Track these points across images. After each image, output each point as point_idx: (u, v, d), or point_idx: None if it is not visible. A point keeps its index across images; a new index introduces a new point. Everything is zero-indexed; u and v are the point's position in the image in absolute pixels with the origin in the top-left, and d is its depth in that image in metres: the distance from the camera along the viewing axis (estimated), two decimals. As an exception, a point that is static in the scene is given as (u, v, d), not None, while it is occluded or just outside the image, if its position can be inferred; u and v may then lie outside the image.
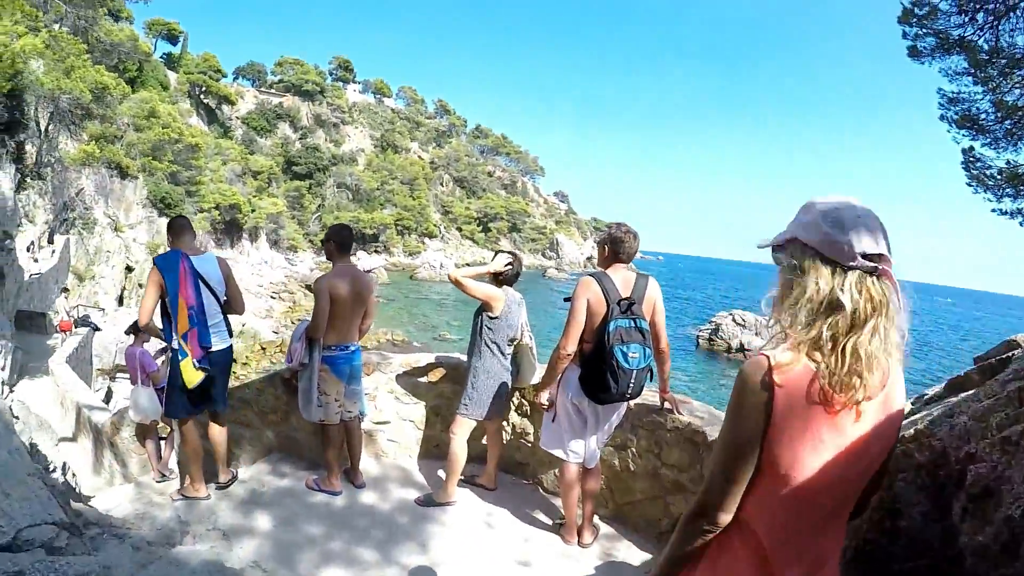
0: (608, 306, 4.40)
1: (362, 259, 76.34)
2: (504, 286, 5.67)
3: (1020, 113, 11.54)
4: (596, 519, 5.40)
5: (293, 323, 41.89)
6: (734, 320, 56.29)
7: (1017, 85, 11.26)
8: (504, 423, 6.29)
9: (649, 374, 4.62)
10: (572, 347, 4.51)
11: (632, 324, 4.41)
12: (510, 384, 5.79)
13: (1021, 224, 13.43)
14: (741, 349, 52.49)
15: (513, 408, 6.35)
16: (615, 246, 4.65)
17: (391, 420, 6.63)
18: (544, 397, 4.94)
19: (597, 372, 4.44)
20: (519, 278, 5.85)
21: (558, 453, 4.99)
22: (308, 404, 5.65)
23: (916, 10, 11.52)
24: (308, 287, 57.07)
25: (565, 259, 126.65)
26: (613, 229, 4.71)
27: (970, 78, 11.49)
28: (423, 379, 6.60)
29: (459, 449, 5.58)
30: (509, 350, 5.75)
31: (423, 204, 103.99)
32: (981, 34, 10.90)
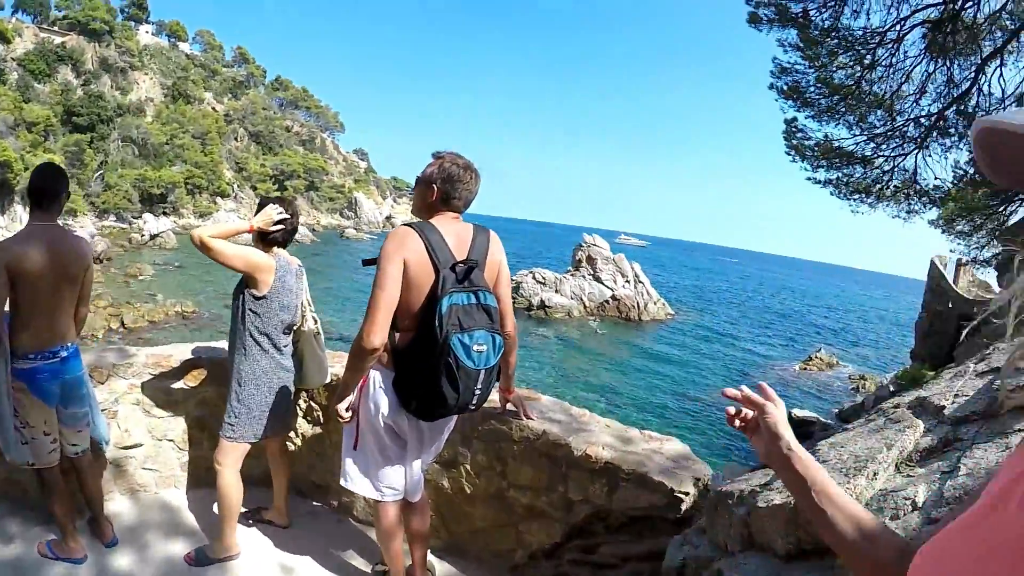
0: (438, 273, 3.08)
1: (148, 221, 71.35)
2: (275, 249, 4.24)
3: (842, 92, 12.14)
4: (430, 558, 4.22)
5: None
6: (534, 278, 57.68)
7: (842, 67, 11.81)
8: (291, 436, 4.96)
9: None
10: (380, 336, 3.08)
11: (474, 301, 3.12)
12: (293, 388, 4.40)
13: (831, 193, 14.40)
14: (542, 306, 54.10)
15: (301, 414, 5.01)
16: (448, 185, 3.28)
17: (143, 442, 4.85)
18: (343, 409, 3.42)
19: (424, 375, 3.11)
20: (295, 237, 4.43)
21: (366, 491, 3.60)
22: (6, 441, 3.84)
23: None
24: (89, 257, 51.90)
25: (364, 219, 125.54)
26: (447, 161, 3.32)
27: (799, 54, 11.94)
28: (179, 383, 4.90)
29: (231, 485, 4.12)
30: (286, 341, 4.34)
31: (216, 160, 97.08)
32: (821, 12, 11.28)
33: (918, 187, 13.64)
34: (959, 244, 18.70)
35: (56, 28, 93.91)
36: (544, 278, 57.75)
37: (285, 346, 4.30)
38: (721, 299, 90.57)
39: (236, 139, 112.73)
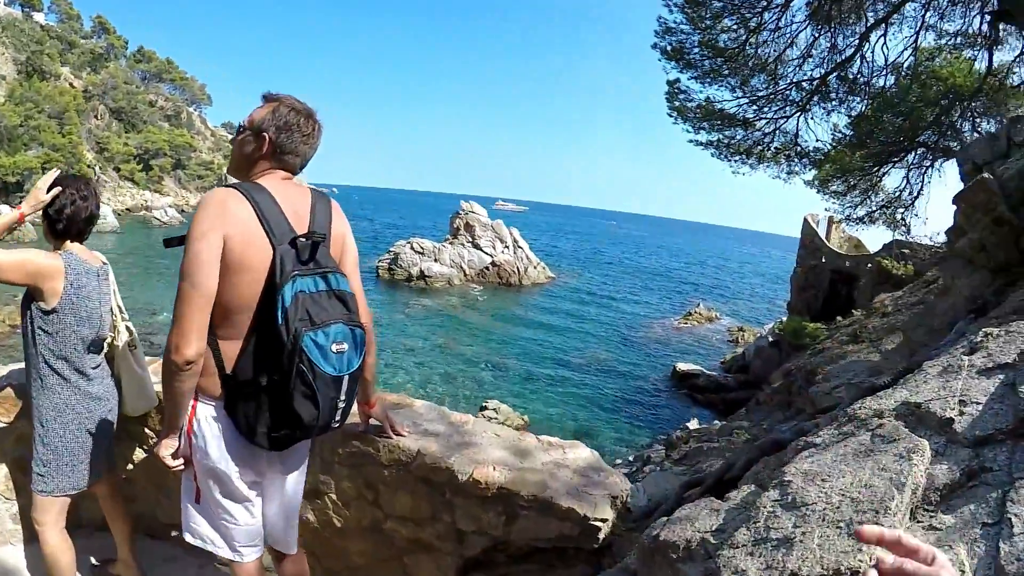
0: (274, 251, 2.28)
1: (3, 213, 65.08)
2: (68, 244, 3.38)
3: (726, 55, 12.11)
4: None
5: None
6: (412, 248, 57.11)
7: (726, 30, 11.76)
8: (124, 472, 4.06)
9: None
10: (195, 346, 2.27)
11: (325, 287, 2.36)
12: (114, 416, 3.53)
13: (713, 155, 14.51)
14: (422, 276, 53.66)
15: (136, 444, 4.09)
16: (284, 136, 2.48)
17: (-45, 494, 3.84)
18: (165, 453, 2.57)
19: (270, 392, 2.33)
20: (94, 226, 3.53)
21: (218, 550, 2.75)
22: None
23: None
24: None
25: None
26: (284, 105, 2.50)
27: (684, 14, 11.80)
28: None
29: (57, 548, 3.30)
30: (95, 362, 3.41)
31: (75, 141, 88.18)
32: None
33: (799, 149, 13.89)
34: (833, 203, 19.43)
35: None
36: (423, 247, 57.14)
37: (94, 368, 3.36)
38: (600, 260, 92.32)
39: (96, 117, 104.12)
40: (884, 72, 12.71)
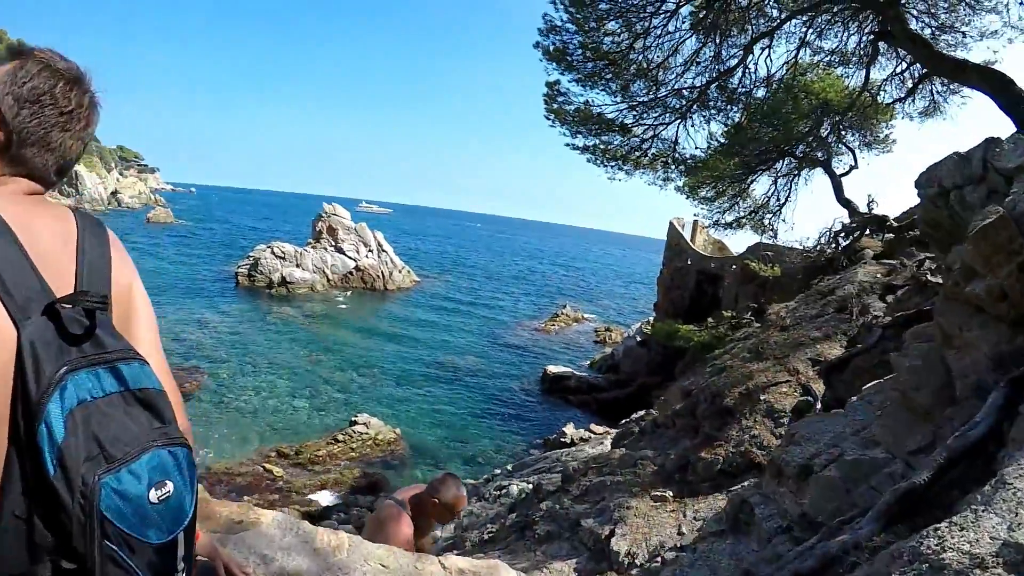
0: (17, 332, 1.17)
1: None
2: None
3: (607, 60, 11.84)
4: None
5: None
6: (273, 252, 54.96)
7: (610, 34, 11.49)
8: None
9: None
10: None
11: (117, 386, 1.26)
12: None
13: (589, 160, 14.28)
14: (284, 283, 51.74)
15: None
16: (25, 113, 1.37)
17: None
18: None
19: None
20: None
21: None
22: None
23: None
24: None
25: (86, 196, 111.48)
26: (28, 63, 1.39)
27: (568, 14, 11.44)
28: None
29: None
30: None
31: None
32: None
33: (676, 156, 13.86)
34: (702, 209, 19.77)
35: None
36: (284, 252, 54.94)
37: None
38: (465, 263, 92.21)
39: None
40: (762, 84, 12.86)
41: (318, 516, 18.24)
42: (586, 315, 55.47)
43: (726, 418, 6.85)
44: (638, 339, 36.46)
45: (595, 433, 22.31)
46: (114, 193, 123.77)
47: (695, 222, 32.83)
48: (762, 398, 6.78)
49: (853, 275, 9.34)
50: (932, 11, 12.52)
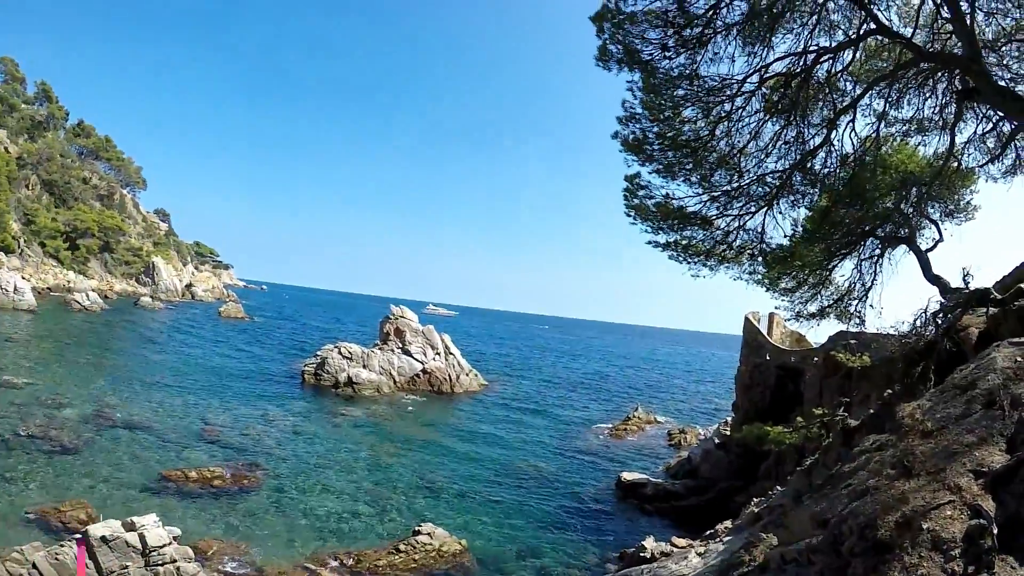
0: None
1: None
2: None
3: (686, 149, 11.18)
4: None
5: None
6: (340, 353, 55.17)
7: (687, 121, 10.84)
8: None
9: None
10: None
11: None
12: None
13: (671, 257, 13.41)
14: (350, 383, 51.50)
15: None
16: None
17: None
18: None
19: None
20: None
21: None
22: None
23: (614, 7, 10.43)
24: None
25: (162, 286, 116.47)
26: None
27: (639, 100, 10.82)
28: None
29: None
30: None
31: (2, 210, 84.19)
32: (675, 55, 10.17)
33: (764, 247, 12.95)
34: (783, 300, 18.63)
35: None
36: (351, 353, 55.08)
37: None
38: (533, 365, 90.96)
39: (28, 187, 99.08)
40: (845, 164, 11.98)
41: None
42: (658, 417, 53.73)
43: (884, 555, 5.56)
44: (716, 441, 34.80)
45: (677, 547, 20.61)
46: (189, 286, 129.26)
47: (771, 315, 31.53)
48: (924, 526, 5.53)
49: (991, 362, 8.07)
50: (1005, 62, 11.67)
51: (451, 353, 59.47)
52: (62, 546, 18.55)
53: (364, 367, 53.67)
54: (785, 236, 13.07)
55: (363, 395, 50.44)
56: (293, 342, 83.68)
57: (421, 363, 56.26)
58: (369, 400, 49.40)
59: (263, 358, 66.30)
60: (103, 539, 17.80)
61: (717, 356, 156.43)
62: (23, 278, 74.88)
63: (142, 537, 18.09)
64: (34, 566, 17.95)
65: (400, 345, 56.72)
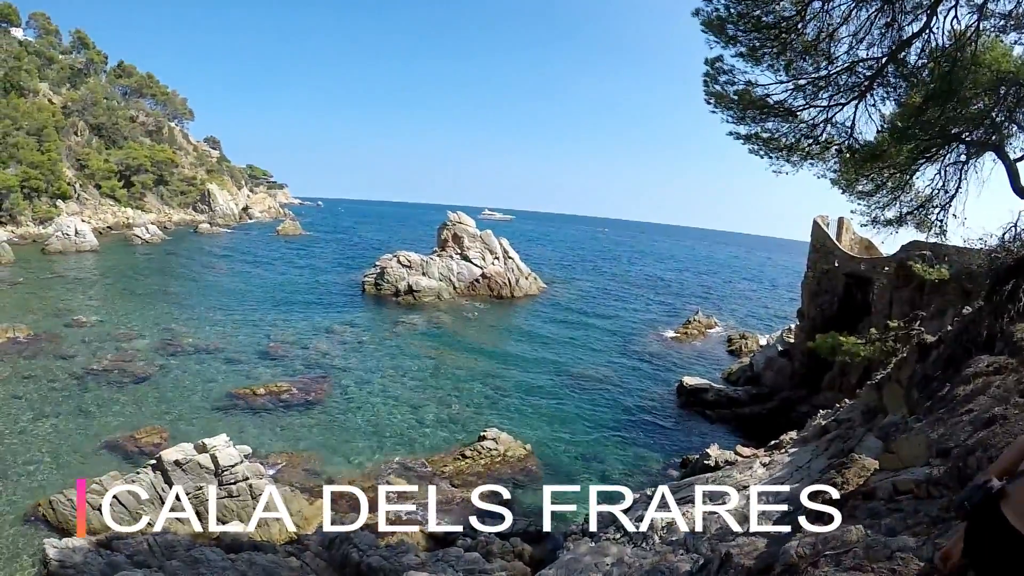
0: None
1: None
2: None
3: (772, 31, 10.22)
4: None
5: None
6: (399, 261, 55.27)
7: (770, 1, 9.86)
8: None
9: None
10: None
11: None
12: None
13: (751, 151, 12.60)
14: (410, 291, 51.70)
15: None
16: None
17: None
18: None
19: None
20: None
21: None
22: None
23: None
24: None
25: (219, 212, 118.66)
26: None
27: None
28: None
29: None
30: None
31: (54, 159, 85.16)
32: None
33: (852, 143, 11.99)
34: (859, 204, 17.53)
35: None
36: (410, 261, 55.19)
37: None
38: (592, 268, 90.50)
39: (76, 133, 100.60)
40: (941, 57, 10.80)
41: (443, 540, 17.59)
42: (718, 322, 52.92)
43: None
44: (779, 348, 34.07)
45: (741, 456, 20.26)
46: (245, 208, 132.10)
47: (841, 220, 30.19)
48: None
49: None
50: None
51: (510, 257, 59.14)
52: (139, 472, 19.32)
53: (423, 274, 53.79)
54: (877, 131, 12.01)
55: (423, 302, 50.73)
56: (351, 254, 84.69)
57: (480, 268, 56.18)
58: (430, 307, 49.68)
59: (323, 272, 67.18)
60: (176, 463, 18.40)
61: (773, 261, 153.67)
62: (83, 221, 76.91)
63: (214, 458, 18.65)
64: (114, 496, 18.58)
65: (458, 251, 56.59)
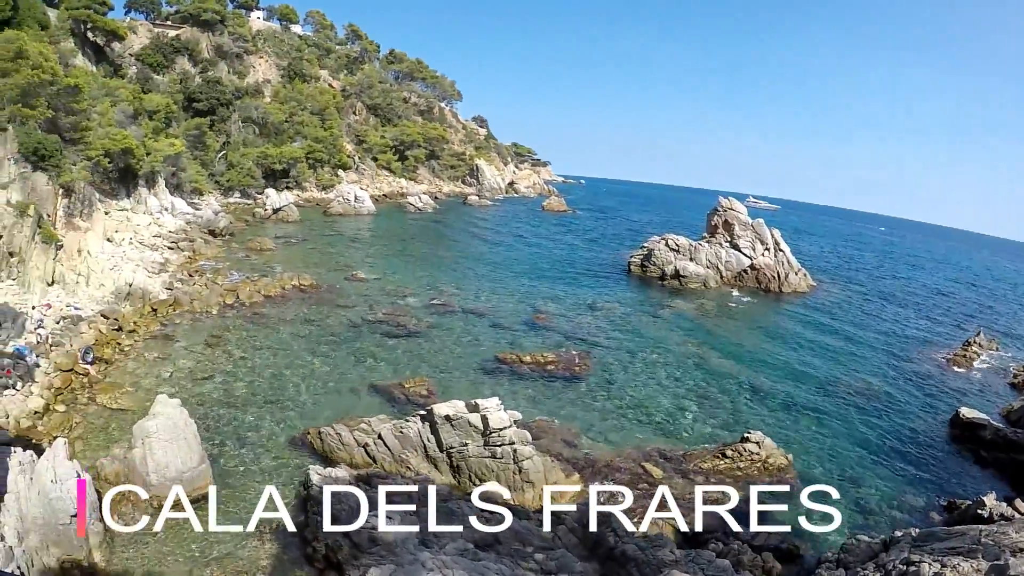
0: None
1: (271, 196, 72.12)
2: None
3: None
4: None
5: (191, 276, 39.38)
6: (667, 244, 55.74)
7: None
8: None
9: None
10: None
11: None
12: None
13: None
14: (676, 275, 52.12)
15: None
16: None
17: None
18: None
19: None
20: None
21: None
22: None
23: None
24: (212, 232, 53.82)
25: (486, 185, 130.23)
26: None
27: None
28: None
29: None
30: None
31: (335, 135, 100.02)
32: None
33: None
34: None
35: (169, 23, 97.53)
36: (678, 245, 55.71)
37: None
38: (865, 270, 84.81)
39: (355, 113, 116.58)
40: None
41: (693, 540, 17.76)
42: (1002, 346, 48.14)
43: None
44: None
45: (1020, 512, 19.16)
46: (511, 183, 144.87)
47: None
48: None
49: None
50: None
51: (781, 250, 57.73)
52: (407, 420, 21.63)
53: (691, 260, 54.20)
54: None
55: (689, 288, 51.44)
56: (615, 233, 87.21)
57: (749, 258, 55.61)
58: (695, 294, 50.29)
59: (588, 248, 69.90)
60: (447, 418, 20.47)
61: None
62: (361, 188, 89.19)
63: (484, 419, 20.32)
64: (379, 436, 21.17)
65: (728, 239, 56.24)
